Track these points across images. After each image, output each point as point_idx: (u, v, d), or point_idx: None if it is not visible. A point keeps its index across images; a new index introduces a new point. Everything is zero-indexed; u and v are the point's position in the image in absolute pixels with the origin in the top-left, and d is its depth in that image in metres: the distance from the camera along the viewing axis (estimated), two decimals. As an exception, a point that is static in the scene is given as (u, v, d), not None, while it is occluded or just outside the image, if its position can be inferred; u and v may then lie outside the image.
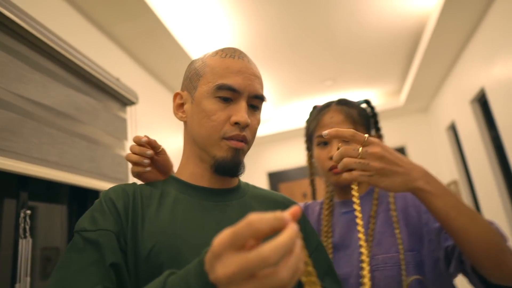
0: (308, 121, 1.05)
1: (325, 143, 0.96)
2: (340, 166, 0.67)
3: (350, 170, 0.68)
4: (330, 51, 3.10)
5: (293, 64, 3.24)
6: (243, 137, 0.70)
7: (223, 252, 0.35)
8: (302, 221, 0.80)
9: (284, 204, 0.81)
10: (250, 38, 2.73)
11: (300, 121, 4.44)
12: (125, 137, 2.15)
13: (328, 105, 1.00)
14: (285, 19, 2.56)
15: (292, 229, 0.34)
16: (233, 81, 0.69)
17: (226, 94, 0.69)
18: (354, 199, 0.68)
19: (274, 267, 0.34)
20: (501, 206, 2.75)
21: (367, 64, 3.43)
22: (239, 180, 0.81)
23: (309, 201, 1.11)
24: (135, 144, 0.75)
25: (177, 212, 0.68)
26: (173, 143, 2.86)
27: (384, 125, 4.73)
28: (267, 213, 0.35)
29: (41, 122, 1.51)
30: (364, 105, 1.03)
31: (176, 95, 0.77)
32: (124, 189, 0.70)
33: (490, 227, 0.68)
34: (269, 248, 0.33)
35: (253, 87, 0.71)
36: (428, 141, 4.47)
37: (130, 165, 0.78)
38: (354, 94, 4.13)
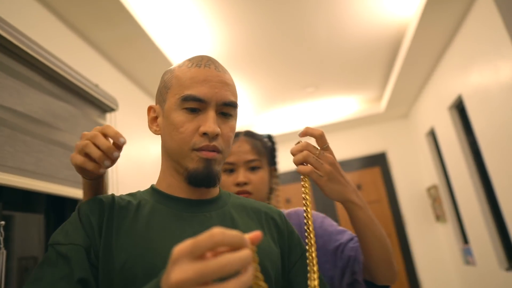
0: None
1: (231, 170, 1.06)
2: (299, 156, 0.75)
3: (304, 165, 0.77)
4: (312, 58, 3.12)
5: (275, 70, 3.26)
6: (214, 147, 0.68)
7: (182, 259, 0.36)
8: (286, 230, 0.79)
9: (266, 214, 0.79)
10: (231, 45, 2.73)
11: (282, 127, 4.45)
12: (104, 144, 2.11)
13: (236, 135, 1.10)
14: (266, 26, 2.57)
15: (248, 252, 0.37)
16: (198, 91, 0.68)
17: (193, 105, 0.68)
18: (306, 190, 0.73)
19: (226, 283, 0.35)
20: (479, 209, 2.81)
21: (348, 71, 3.47)
22: (219, 190, 0.79)
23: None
24: (103, 136, 0.64)
25: (153, 224, 0.66)
26: (154, 150, 2.82)
27: (366, 131, 4.81)
28: (231, 230, 0.37)
29: (16, 130, 1.46)
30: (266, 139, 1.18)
31: (149, 109, 0.77)
32: (100, 201, 0.68)
33: (386, 235, 0.83)
34: (228, 257, 0.35)
35: (221, 95, 0.69)
36: (409, 147, 4.55)
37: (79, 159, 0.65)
38: (336, 101, 4.17)
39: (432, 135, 3.88)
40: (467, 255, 3.33)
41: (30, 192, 1.62)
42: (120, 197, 0.71)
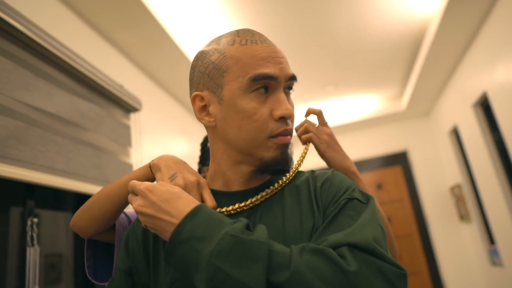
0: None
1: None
2: (301, 129, 0.86)
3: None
4: (332, 56, 3.11)
5: (295, 69, 3.23)
6: (290, 130, 0.64)
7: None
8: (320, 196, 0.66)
9: (311, 190, 0.68)
10: (253, 44, 2.74)
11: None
12: (129, 144, 2.15)
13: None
14: (287, 25, 2.57)
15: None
16: (266, 68, 0.61)
17: (264, 83, 0.61)
18: (304, 154, 0.81)
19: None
20: (505, 208, 2.74)
21: (368, 69, 3.44)
22: None
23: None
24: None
25: None
26: (176, 149, 2.85)
27: (386, 130, 4.73)
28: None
29: (47, 130, 1.51)
30: None
31: (194, 98, 0.66)
32: None
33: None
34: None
35: (286, 70, 0.64)
36: (431, 145, 4.47)
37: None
38: (356, 99, 4.14)
39: (455, 133, 3.80)
40: (494, 255, 3.25)
41: (60, 190, 1.67)
42: None
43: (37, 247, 1.36)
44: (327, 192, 0.64)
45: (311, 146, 0.86)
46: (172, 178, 0.66)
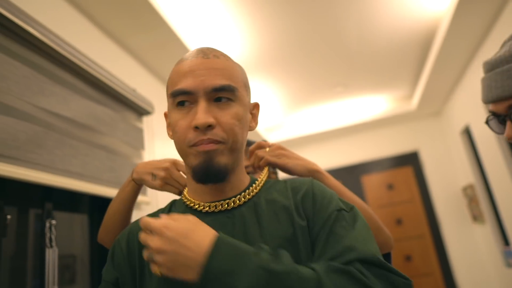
0: None
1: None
2: (253, 159, 0.92)
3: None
4: (341, 57, 3.11)
5: (304, 71, 3.26)
6: (209, 140, 0.64)
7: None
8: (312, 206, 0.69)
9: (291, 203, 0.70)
10: (261, 46, 2.76)
11: (311, 128, 4.44)
12: (142, 146, 2.18)
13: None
14: (296, 27, 2.58)
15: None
16: (183, 84, 0.66)
17: (182, 99, 0.66)
18: (265, 174, 0.81)
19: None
20: (520, 209, 2.71)
21: (378, 69, 3.43)
22: (250, 179, 0.76)
23: None
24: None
25: None
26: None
27: (397, 130, 4.68)
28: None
29: (64, 134, 1.54)
30: None
31: (165, 115, 0.76)
32: (130, 231, 0.74)
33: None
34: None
35: (207, 82, 0.65)
36: (442, 145, 4.43)
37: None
38: (366, 100, 4.12)
39: (467, 133, 3.76)
40: (509, 257, 3.21)
41: (76, 193, 1.71)
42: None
43: (55, 248, 1.39)
44: (311, 203, 0.68)
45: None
46: (153, 178, 0.83)
